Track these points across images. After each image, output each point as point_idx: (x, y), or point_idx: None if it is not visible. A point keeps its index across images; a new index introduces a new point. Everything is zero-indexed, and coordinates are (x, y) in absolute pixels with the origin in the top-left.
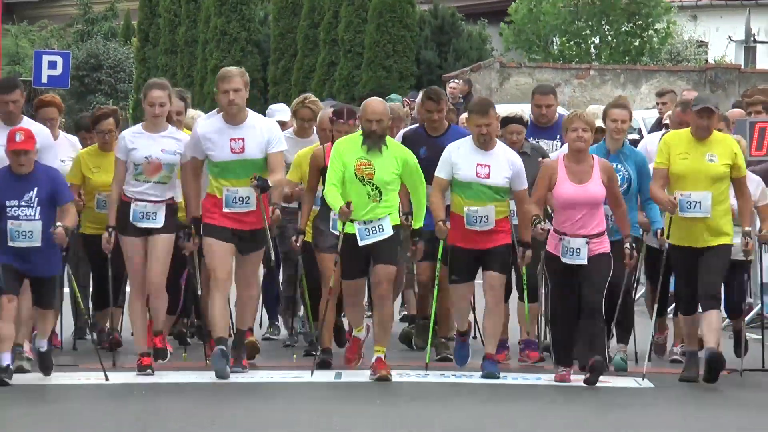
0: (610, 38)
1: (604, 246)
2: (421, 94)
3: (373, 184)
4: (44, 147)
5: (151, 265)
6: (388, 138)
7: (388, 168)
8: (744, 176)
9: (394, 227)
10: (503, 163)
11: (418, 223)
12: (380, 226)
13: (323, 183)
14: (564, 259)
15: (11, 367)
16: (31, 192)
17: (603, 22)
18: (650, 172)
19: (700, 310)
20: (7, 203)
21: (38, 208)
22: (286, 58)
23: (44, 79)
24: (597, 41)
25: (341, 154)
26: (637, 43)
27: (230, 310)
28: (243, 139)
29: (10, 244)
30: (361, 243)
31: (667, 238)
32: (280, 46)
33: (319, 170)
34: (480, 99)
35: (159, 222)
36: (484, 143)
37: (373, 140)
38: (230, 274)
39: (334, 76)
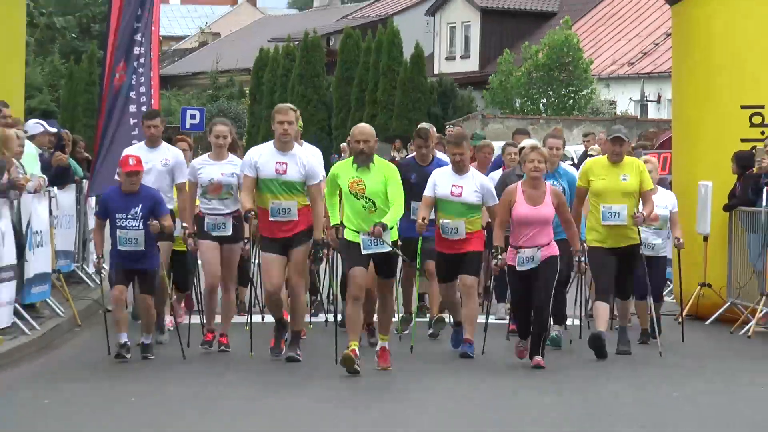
0: (553, 99)
1: (551, 250)
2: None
3: (366, 197)
4: (177, 164)
5: (223, 270)
6: (375, 157)
7: (376, 181)
8: (649, 189)
9: (395, 242)
10: (474, 185)
11: (390, 221)
12: (381, 240)
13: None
14: (519, 268)
15: (128, 344)
16: (136, 207)
17: (549, 90)
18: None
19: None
20: (117, 215)
21: (141, 220)
22: (344, 112)
23: (187, 126)
24: (545, 101)
25: (336, 176)
26: (570, 102)
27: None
28: (286, 164)
29: (119, 248)
30: (364, 251)
31: (590, 242)
32: (339, 104)
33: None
34: (456, 132)
35: (228, 231)
36: (458, 168)
37: (362, 159)
38: (280, 284)
39: (374, 124)
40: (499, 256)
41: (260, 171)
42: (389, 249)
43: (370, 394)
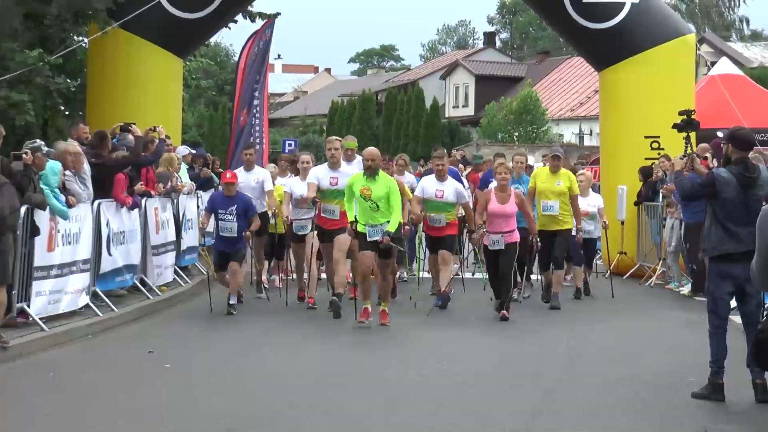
0: (522, 133)
1: (513, 237)
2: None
3: (372, 201)
4: (266, 180)
5: (306, 250)
6: (380, 171)
7: (380, 189)
8: (576, 195)
9: (389, 232)
10: (451, 189)
11: (392, 227)
12: (381, 229)
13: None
14: (491, 247)
15: (235, 303)
16: (233, 207)
17: (519, 127)
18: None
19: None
20: (219, 211)
21: (236, 216)
22: (387, 142)
23: (286, 150)
24: (517, 134)
25: (351, 185)
26: (533, 135)
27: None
28: (337, 178)
29: (221, 234)
30: (369, 239)
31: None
32: (384, 137)
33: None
34: (439, 151)
35: (307, 230)
36: (439, 176)
37: (370, 172)
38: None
39: (405, 150)
40: (482, 230)
41: (319, 183)
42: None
43: (381, 339)
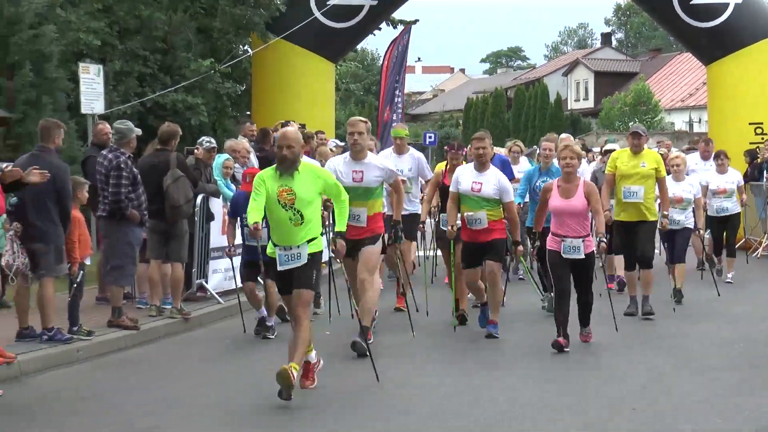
0: (637, 122)
1: (591, 244)
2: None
3: (295, 209)
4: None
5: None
6: (303, 162)
7: (307, 190)
8: (663, 177)
9: (312, 254)
10: (492, 181)
11: (339, 227)
12: (298, 254)
13: (440, 196)
14: (566, 255)
15: (270, 324)
16: None
17: (635, 117)
18: None
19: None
20: (244, 216)
21: (264, 220)
22: (516, 133)
23: (426, 142)
24: (631, 123)
25: (264, 182)
26: (647, 125)
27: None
28: (362, 172)
29: (246, 243)
30: (279, 268)
31: (615, 217)
32: (515, 129)
33: (437, 184)
34: (482, 131)
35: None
36: (479, 164)
37: (285, 166)
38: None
39: (533, 141)
40: (536, 242)
41: (339, 179)
42: (304, 261)
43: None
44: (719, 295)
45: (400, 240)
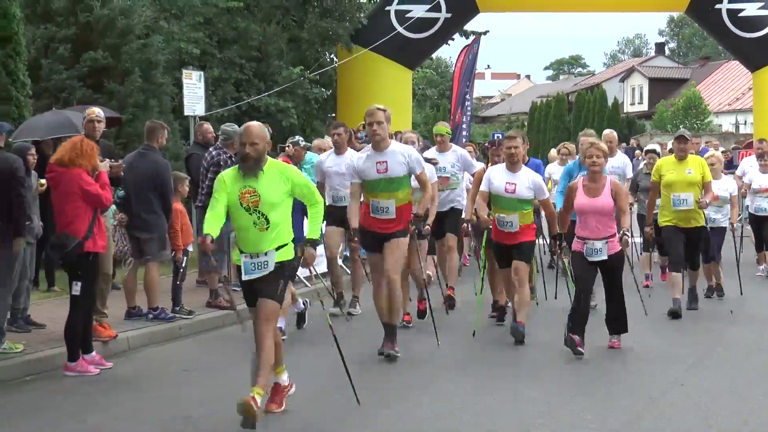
0: (688, 125)
1: (617, 245)
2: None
3: (259, 212)
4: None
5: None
6: (270, 160)
7: (273, 191)
8: (709, 181)
9: (281, 263)
10: (526, 181)
11: (312, 235)
12: (265, 262)
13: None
14: (590, 257)
15: (283, 328)
16: None
17: (685, 120)
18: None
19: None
20: None
21: None
22: (575, 135)
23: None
24: (682, 126)
25: (225, 184)
26: (697, 126)
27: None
28: (386, 162)
29: None
30: (244, 277)
31: (664, 221)
32: (575, 131)
33: (480, 181)
34: (514, 130)
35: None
36: (511, 163)
37: (248, 165)
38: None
39: None
40: (562, 245)
41: (362, 173)
42: (271, 270)
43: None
44: (732, 313)
45: (424, 237)
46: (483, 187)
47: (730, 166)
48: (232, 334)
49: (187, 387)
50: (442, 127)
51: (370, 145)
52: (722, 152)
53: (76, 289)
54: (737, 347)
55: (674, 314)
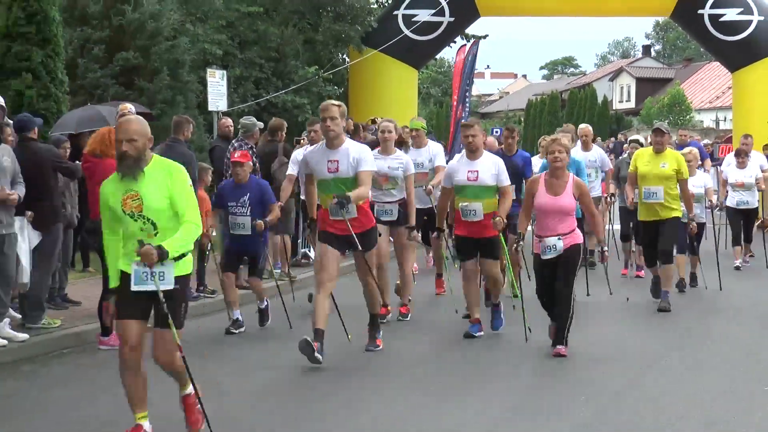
0: (672, 120)
1: (574, 238)
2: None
3: (145, 217)
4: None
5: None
6: (156, 157)
7: (157, 192)
8: (685, 179)
9: (181, 278)
10: (490, 167)
11: (171, 248)
12: (161, 274)
13: None
14: (544, 256)
15: (240, 320)
16: (245, 196)
17: (669, 116)
18: (584, 171)
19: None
20: (229, 203)
21: (249, 207)
22: None
23: (494, 134)
24: (667, 121)
25: (106, 196)
26: (680, 121)
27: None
28: (338, 161)
29: (231, 232)
30: (133, 287)
31: (639, 217)
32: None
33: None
34: (471, 118)
35: (395, 216)
36: (470, 151)
37: (126, 165)
38: (333, 276)
39: None
40: (519, 243)
41: (313, 170)
42: (170, 287)
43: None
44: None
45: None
46: (445, 184)
47: (713, 159)
48: (251, 311)
49: (212, 360)
50: (418, 122)
51: (324, 142)
52: (705, 144)
53: None
54: (716, 343)
55: (661, 309)
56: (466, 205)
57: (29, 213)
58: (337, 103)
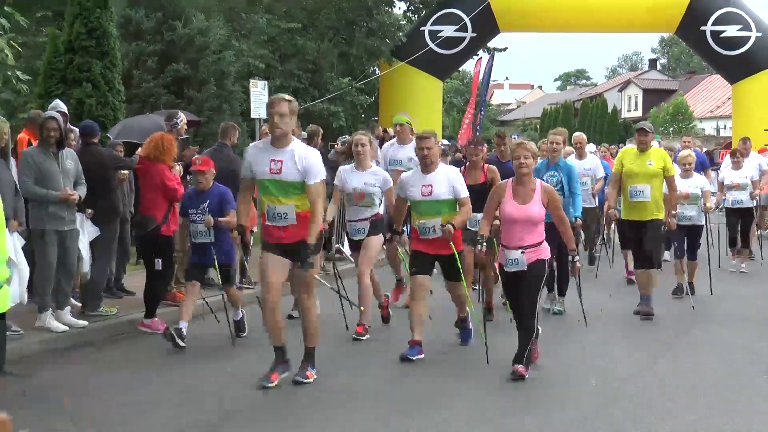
0: (676, 128)
1: (539, 253)
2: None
3: None
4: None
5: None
6: None
7: None
8: (672, 175)
9: None
10: (443, 181)
11: None
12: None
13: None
14: (507, 268)
15: (183, 332)
16: (204, 203)
17: (674, 124)
18: (577, 177)
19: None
20: (190, 211)
21: (209, 214)
22: None
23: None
24: (671, 129)
25: None
26: (683, 129)
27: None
28: (282, 162)
29: (193, 240)
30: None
31: (623, 216)
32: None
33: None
34: (426, 129)
35: (365, 234)
36: (425, 165)
37: None
38: (278, 289)
39: (594, 142)
40: (479, 246)
41: (254, 169)
42: None
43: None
44: (694, 308)
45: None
46: (399, 192)
47: (712, 163)
48: (251, 312)
49: (241, 347)
50: (402, 117)
51: (269, 138)
52: (705, 151)
53: (158, 264)
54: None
55: (640, 312)
56: (423, 223)
57: (89, 210)
58: (288, 98)
